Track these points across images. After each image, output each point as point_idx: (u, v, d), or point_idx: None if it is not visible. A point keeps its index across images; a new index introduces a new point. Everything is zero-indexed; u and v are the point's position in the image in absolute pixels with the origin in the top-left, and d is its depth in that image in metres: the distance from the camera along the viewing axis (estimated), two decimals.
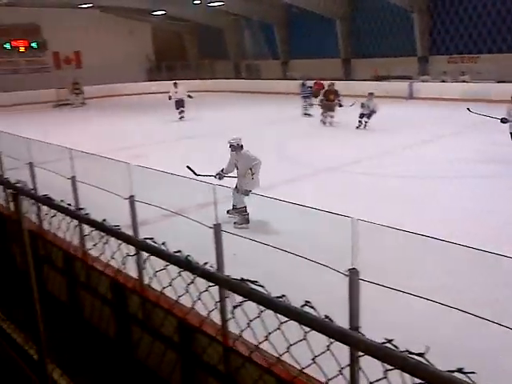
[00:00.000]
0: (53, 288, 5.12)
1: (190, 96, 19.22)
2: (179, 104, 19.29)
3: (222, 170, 7.67)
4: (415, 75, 23.87)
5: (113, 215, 2.41)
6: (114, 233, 1.90)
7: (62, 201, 2.37)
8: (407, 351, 1.14)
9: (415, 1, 23.80)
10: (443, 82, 22.57)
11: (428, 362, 1.10)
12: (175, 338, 3.54)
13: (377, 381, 1.36)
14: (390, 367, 1.16)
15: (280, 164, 11.10)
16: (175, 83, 20.06)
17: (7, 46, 31.55)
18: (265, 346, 1.92)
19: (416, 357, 1.12)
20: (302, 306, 1.38)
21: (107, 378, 3.72)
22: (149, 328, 3.86)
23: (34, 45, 32.41)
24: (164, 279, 2.16)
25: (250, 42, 33.68)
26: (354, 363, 2.38)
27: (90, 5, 30.31)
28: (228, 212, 7.50)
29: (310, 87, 19.07)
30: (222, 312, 3.17)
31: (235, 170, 7.66)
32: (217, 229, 3.63)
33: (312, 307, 1.38)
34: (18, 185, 2.88)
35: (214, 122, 17.89)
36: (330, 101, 15.89)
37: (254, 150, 12.47)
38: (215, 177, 7.50)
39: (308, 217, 5.89)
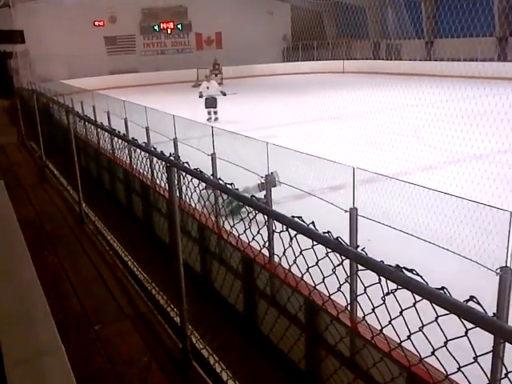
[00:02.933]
0: (188, 258, 5.39)
1: (223, 93, 16.59)
2: (210, 103, 16.49)
3: None
4: None
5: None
6: (264, 209, 1.93)
7: (212, 175, 2.47)
8: None
9: None
10: None
11: None
12: (300, 315, 3.56)
13: None
14: None
15: (418, 150, 10.58)
16: (208, 76, 17.57)
17: (156, 27, 33.73)
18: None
19: None
20: (466, 301, 1.28)
21: (237, 346, 3.86)
22: (275, 303, 3.93)
23: (179, 26, 34.25)
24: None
25: (393, 20, 32.29)
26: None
27: None
28: None
29: None
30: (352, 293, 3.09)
31: None
32: (353, 212, 3.54)
33: (478, 303, 1.27)
34: (171, 158, 3.06)
35: (348, 104, 17.53)
36: None
37: (389, 133, 12.07)
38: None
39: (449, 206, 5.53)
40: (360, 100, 17.31)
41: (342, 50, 33.36)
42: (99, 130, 8.13)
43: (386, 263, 1.53)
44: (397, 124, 12.61)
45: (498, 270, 2.57)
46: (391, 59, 30.43)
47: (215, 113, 16.28)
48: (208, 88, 16.53)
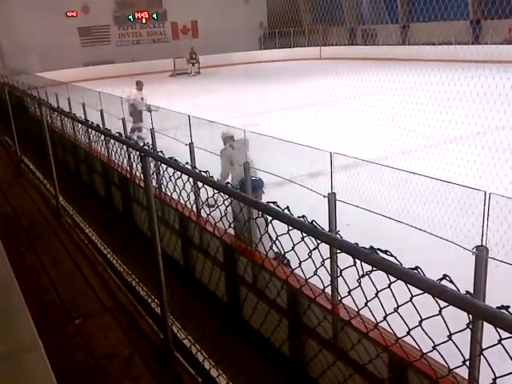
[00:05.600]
0: (167, 247, 5.37)
1: (149, 108, 10.49)
2: (138, 117, 11.76)
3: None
4: None
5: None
6: (239, 196, 1.91)
7: (186, 163, 2.44)
8: None
9: None
10: None
11: None
12: (280, 300, 3.58)
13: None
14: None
15: (396, 134, 10.65)
16: (139, 83, 13.20)
17: (130, 17, 33.26)
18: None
19: None
20: (440, 279, 1.29)
21: (219, 335, 3.86)
22: (255, 289, 3.94)
23: (154, 16, 33.82)
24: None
25: (368, 5, 32.30)
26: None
27: None
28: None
29: None
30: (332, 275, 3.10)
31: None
32: (331, 198, 3.54)
33: (451, 281, 1.28)
34: (145, 147, 3.02)
35: (326, 90, 17.52)
36: None
37: (367, 118, 12.11)
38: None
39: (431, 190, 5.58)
40: (338, 86, 17.32)
41: (318, 36, 33.29)
42: (75, 122, 8.01)
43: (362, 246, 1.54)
44: (375, 109, 12.67)
45: (474, 250, 2.60)
46: (367, 44, 30.50)
47: (139, 130, 11.69)
48: (142, 99, 12.52)
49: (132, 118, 11.39)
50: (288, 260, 3.59)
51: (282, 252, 2.04)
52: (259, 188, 5.26)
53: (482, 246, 2.59)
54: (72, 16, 31.39)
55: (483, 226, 2.58)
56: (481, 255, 2.57)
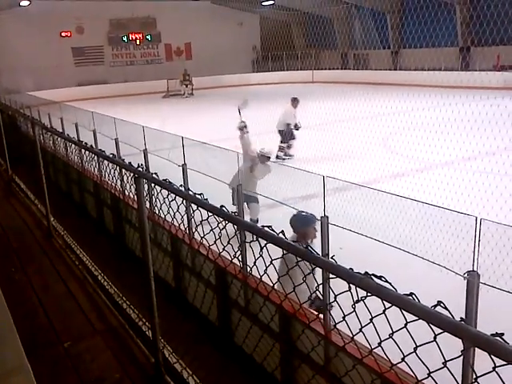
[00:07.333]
0: (159, 270, 5.33)
1: (296, 126, 12.62)
2: (291, 136, 12.41)
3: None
4: None
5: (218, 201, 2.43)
6: (234, 219, 1.92)
7: (181, 185, 2.45)
8: None
9: None
10: None
11: None
12: (273, 325, 3.56)
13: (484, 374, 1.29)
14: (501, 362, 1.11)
15: (387, 158, 10.75)
16: (295, 100, 12.89)
17: (124, 38, 33.56)
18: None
19: None
20: (434, 306, 1.30)
21: (211, 359, 3.82)
22: (248, 313, 3.91)
23: (148, 37, 34.15)
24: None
25: (360, 31, 32.88)
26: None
27: None
28: None
29: None
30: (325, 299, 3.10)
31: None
32: (324, 221, 3.54)
33: (446, 308, 1.29)
34: (139, 169, 3.03)
35: (319, 114, 17.66)
36: None
37: (359, 142, 12.20)
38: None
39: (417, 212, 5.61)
40: (329, 109, 17.47)
41: (310, 60, 33.75)
42: (67, 142, 8.01)
43: (356, 271, 1.54)
44: (366, 133, 12.80)
45: (466, 275, 2.61)
46: (359, 69, 30.96)
47: (289, 147, 12.41)
48: (294, 116, 12.57)
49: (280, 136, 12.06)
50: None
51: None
52: (309, 225, 4.38)
53: (473, 271, 2.60)
54: (66, 36, 31.63)
55: (474, 251, 2.59)
56: (472, 280, 2.58)
